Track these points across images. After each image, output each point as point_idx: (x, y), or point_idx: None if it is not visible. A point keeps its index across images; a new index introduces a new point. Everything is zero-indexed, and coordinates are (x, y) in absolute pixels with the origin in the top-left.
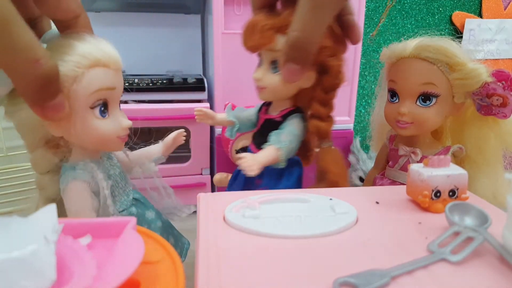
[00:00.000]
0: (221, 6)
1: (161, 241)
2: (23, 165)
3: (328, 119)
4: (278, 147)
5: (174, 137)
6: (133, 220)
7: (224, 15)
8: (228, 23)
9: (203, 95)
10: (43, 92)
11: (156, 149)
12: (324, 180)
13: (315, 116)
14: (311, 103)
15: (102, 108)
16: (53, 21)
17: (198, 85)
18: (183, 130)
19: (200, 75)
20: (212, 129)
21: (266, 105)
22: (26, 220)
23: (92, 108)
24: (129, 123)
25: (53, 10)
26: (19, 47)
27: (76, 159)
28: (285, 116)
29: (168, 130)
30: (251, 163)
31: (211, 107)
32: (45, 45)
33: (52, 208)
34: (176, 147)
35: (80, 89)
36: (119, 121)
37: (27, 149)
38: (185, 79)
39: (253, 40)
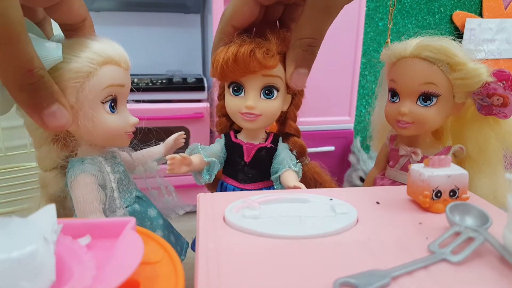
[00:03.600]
0: (221, 6)
1: (160, 242)
2: (22, 165)
3: (300, 134)
4: (296, 169)
5: (175, 138)
6: (132, 220)
7: None
8: None
9: (203, 95)
10: (36, 100)
11: (158, 149)
12: None
13: (293, 134)
14: (285, 122)
15: (112, 104)
16: (60, 25)
17: (198, 85)
18: (183, 132)
19: (200, 74)
20: (211, 128)
21: (235, 137)
22: (25, 220)
23: (103, 103)
24: (135, 120)
25: (65, 16)
26: (20, 59)
27: (83, 155)
28: (273, 142)
29: (168, 130)
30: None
31: (211, 107)
32: (60, 44)
33: (52, 208)
34: (176, 148)
35: (94, 83)
36: (126, 118)
37: (34, 145)
38: (184, 79)
39: (253, 65)
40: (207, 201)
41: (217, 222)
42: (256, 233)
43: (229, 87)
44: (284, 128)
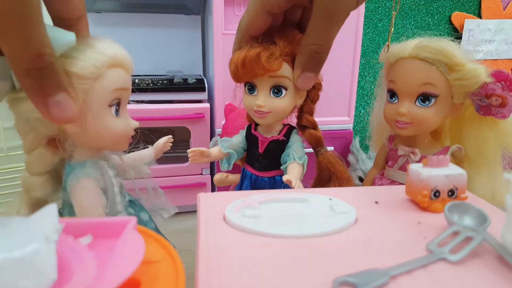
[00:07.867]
0: (221, 7)
1: (161, 241)
2: (23, 165)
3: (317, 126)
4: (301, 162)
5: (164, 142)
6: (133, 220)
7: (224, 15)
8: (228, 23)
9: (203, 95)
10: (42, 86)
11: (148, 152)
12: (332, 181)
13: (308, 126)
14: (301, 116)
15: (117, 108)
16: (55, 20)
17: (198, 86)
18: (171, 136)
19: (200, 75)
20: (212, 129)
21: (255, 129)
22: (26, 220)
23: (110, 106)
24: (136, 124)
25: (62, 8)
26: (31, 42)
27: (80, 159)
28: (286, 135)
29: (169, 130)
30: (300, 183)
31: (211, 108)
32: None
33: (53, 207)
34: (164, 151)
35: (102, 85)
36: (128, 122)
37: (25, 148)
38: (185, 80)
39: (258, 69)
40: (207, 200)
41: (217, 221)
42: (256, 233)
43: (245, 86)
44: (300, 121)
